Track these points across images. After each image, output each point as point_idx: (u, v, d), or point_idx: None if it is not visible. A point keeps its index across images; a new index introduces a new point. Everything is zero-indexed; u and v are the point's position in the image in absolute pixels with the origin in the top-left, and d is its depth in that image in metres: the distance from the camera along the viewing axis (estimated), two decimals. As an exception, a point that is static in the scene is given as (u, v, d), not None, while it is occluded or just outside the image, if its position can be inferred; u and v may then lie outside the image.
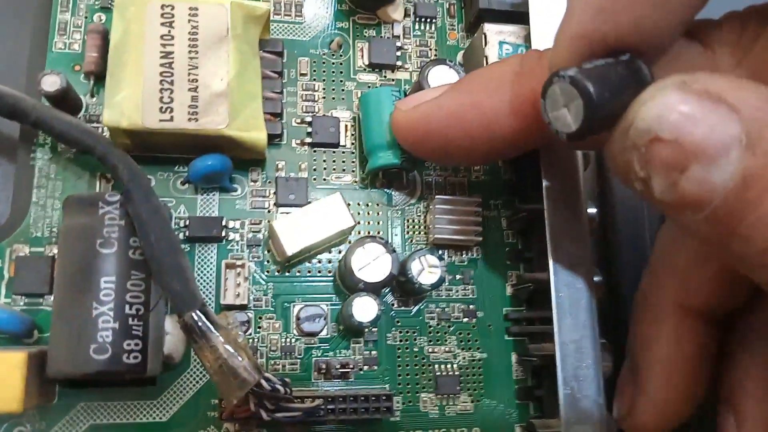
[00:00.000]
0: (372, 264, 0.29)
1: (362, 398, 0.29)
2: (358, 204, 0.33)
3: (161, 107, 0.28)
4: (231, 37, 0.30)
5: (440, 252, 0.31)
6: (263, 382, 0.26)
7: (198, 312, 0.26)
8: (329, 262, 0.32)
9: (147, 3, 0.29)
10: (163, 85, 0.28)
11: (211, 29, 0.30)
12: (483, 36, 0.33)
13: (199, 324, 0.26)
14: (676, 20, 0.21)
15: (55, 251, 0.30)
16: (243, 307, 0.30)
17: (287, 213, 0.32)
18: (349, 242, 0.32)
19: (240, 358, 0.26)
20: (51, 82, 0.29)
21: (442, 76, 0.32)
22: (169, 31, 0.29)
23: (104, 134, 0.29)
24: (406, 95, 0.32)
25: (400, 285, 0.32)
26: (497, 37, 0.33)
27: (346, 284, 0.31)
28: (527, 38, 0.33)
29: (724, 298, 0.27)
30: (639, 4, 0.20)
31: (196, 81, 0.29)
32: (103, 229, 0.27)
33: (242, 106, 0.30)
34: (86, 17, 0.32)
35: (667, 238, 0.29)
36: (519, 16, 0.33)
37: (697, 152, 0.17)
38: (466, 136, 0.26)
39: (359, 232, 0.33)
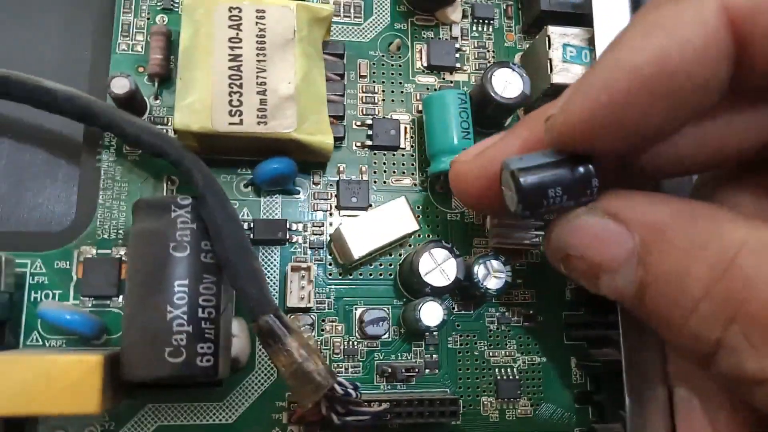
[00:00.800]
0: (438, 268, 0.29)
1: (428, 402, 0.29)
2: (418, 207, 0.33)
3: (230, 111, 0.28)
4: (297, 40, 0.30)
5: (501, 257, 0.31)
6: (336, 386, 0.26)
7: (273, 316, 0.26)
8: (390, 265, 0.32)
9: (215, 5, 0.29)
10: (232, 88, 0.28)
11: (278, 31, 0.29)
12: (546, 38, 0.32)
13: (275, 328, 0.26)
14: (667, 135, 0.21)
15: (122, 253, 0.30)
16: (307, 310, 0.30)
17: (349, 216, 0.32)
18: (410, 245, 0.32)
19: (314, 363, 0.26)
20: (120, 85, 0.29)
21: (505, 78, 0.32)
22: (237, 34, 0.29)
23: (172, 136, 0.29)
24: (470, 97, 0.32)
25: (462, 289, 0.32)
26: (561, 39, 0.32)
27: (410, 287, 0.31)
28: (590, 41, 0.33)
29: None
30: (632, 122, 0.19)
31: (265, 84, 0.29)
32: (175, 233, 0.27)
33: (309, 109, 0.30)
34: (149, 19, 0.32)
35: None
36: (580, 18, 0.33)
37: (601, 266, 0.20)
38: None
39: (419, 236, 0.33)
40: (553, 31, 0.32)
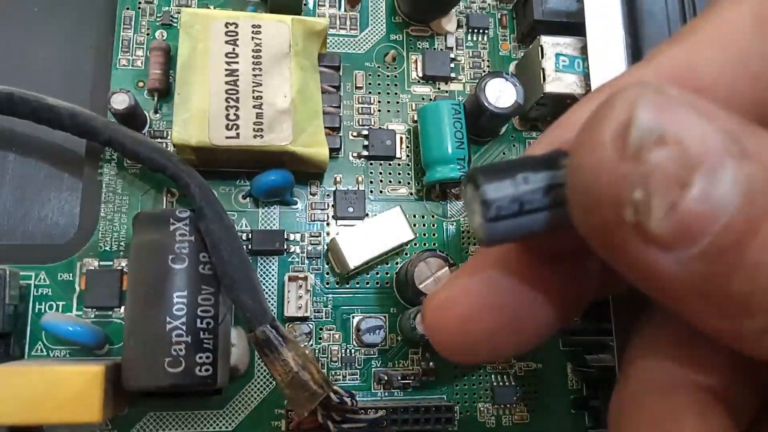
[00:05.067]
0: (433, 278, 0.30)
1: (424, 409, 0.29)
2: (414, 216, 0.33)
3: (227, 125, 0.29)
4: (292, 54, 0.30)
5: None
6: (332, 394, 0.26)
7: (269, 326, 0.26)
8: (387, 273, 0.32)
9: (211, 21, 0.30)
10: (229, 103, 0.29)
11: (274, 46, 0.30)
12: (539, 48, 0.33)
13: (271, 338, 0.26)
14: None
15: (123, 265, 0.30)
16: (304, 319, 0.31)
17: (346, 225, 0.32)
18: (406, 254, 0.33)
19: (309, 372, 0.26)
20: (120, 101, 0.29)
21: (498, 88, 0.32)
22: (234, 49, 0.30)
23: (170, 150, 0.30)
24: (464, 108, 0.32)
25: (458, 297, 0.32)
26: (553, 49, 0.33)
27: (406, 296, 0.31)
28: (583, 50, 0.33)
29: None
30: None
31: (261, 98, 0.29)
32: (174, 245, 0.27)
33: (305, 122, 0.30)
34: (148, 34, 0.33)
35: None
36: (573, 27, 0.34)
37: (701, 159, 0.14)
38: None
39: (415, 244, 0.33)
40: (546, 40, 0.33)
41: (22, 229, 0.31)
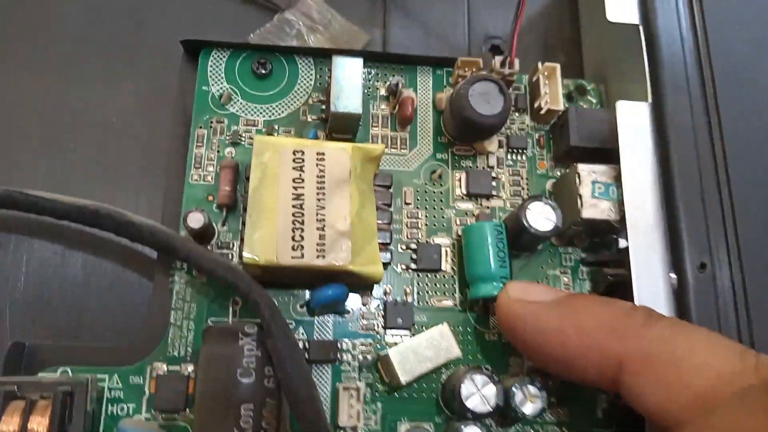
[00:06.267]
0: (478, 393, 0.32)
1: None
2: (458, 327, 0.35)
3: (293, 245, 0.31)
4: (352, 178, 0.33)
5: (537, 381, 0.33)
6: None
7: (329, 443, 0.28)
8: (432, 383, 0.34)
9: (281, 149, 0.33)
10: (295, 225, 0.32)
11: (336, 171, 0.33)
12: (576, 175, 0.35)
13: (331, 455, 0.28)
14: None
15: (190, 370, 0.33)
16: (355, 428, 0.33)
17: (395, 335, 0.34)
18: (451, 366, 0.35)
19: (365, 487, 0.28)
20: (196, 220, 0.32)
21: (539, 211, 0.35)
22: (300, 175, 0.33)
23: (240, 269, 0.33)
24: (506, 228, 0.35)
25: (499, 411, 0.34)
26: (589, 176, 0.36)
27: (451, 408, 0.33)
28: (617, 178, 0.35)
29: None
30: None
31: (323, 221, 0.32)
32: (242, 360, 0.29)
33: (362, 242, 0.33)
34: (218, 152, 0.36)
35: None
36: (606, 154, 0.36)
37: None
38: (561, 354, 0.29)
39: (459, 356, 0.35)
40: (583, 168, 0.36)
41: (93, 330, 0.34)
